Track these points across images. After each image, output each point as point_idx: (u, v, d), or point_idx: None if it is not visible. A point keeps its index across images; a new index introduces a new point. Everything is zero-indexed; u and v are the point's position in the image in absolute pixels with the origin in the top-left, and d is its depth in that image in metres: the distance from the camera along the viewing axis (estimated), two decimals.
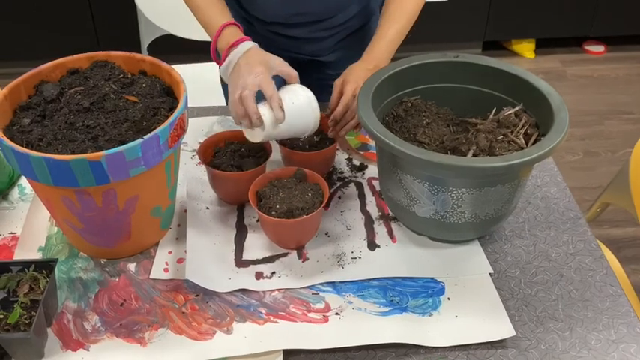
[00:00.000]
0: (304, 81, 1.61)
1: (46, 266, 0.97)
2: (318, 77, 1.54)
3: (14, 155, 0.91)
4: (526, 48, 3.24)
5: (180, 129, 0.99)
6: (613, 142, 2.70)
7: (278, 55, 1.50)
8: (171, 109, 1.02)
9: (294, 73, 1.15)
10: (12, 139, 0.93)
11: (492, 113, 1.13)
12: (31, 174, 0.92)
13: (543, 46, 3.26)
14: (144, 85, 1.05)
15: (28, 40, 2.96)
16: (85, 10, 2.92)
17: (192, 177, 1.23)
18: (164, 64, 1.08)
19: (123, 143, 0.93)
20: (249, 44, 1.14)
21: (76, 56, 1.10)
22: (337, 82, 1.21)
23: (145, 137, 0.92)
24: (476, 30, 3.13)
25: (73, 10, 2.90)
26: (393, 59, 1.17)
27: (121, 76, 1.07)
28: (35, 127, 0.98)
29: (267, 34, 1.43)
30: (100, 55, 1.10)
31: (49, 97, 1.02)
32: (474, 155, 1.05)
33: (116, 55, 1.11)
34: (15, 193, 1.21)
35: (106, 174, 0.90)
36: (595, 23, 3.13)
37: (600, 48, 3.28)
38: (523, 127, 1.08)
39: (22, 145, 0.93)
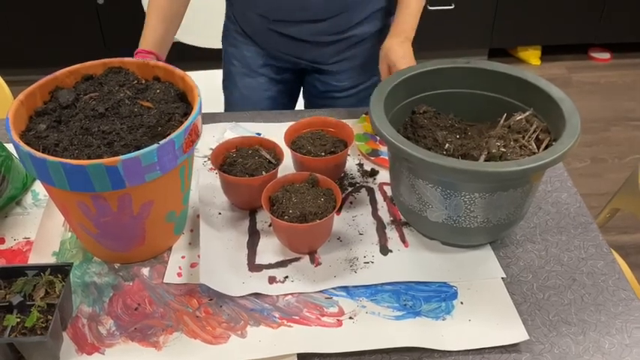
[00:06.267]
0: (308, 89, 1.62)
1: (61, 270, 0.98)
2: (322, 90, 1.56)
3: (31, 160, 0.92)
4: (532, 55, 3.25)
5: (195, 134, 0.99)
6: (620, 148, 2.71)
7: (281, 59, 1.50)
8: (185, 114, 1.03)
9: None
10: (28, 145, 0.94)
11: (503, 119, 1.14)
12: (47, 179, 0.93)
13: (549, 52, 3.27)
14: (158, 91, 1.06)
15: (37, 48, 2.98)
16: (92, 18, 2.94)
17: (204, 183, 1.24)
18: (178, 70, 1.09)
19: (138, 148, 0.94)
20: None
21: (90, 62, 1.11)
22: (383, 67, 1.30)
23: (161, 142, 0.92)
24: (482, 37, 3.14)
25: (81, 18, 2.93)
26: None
27: (135, 82, 1.08)
28: (51, 133, 0.98)
29: (269, 34, 1.44)
30: (114, 62, 1.11)
31: (65, 102, 1.03)
32: (486, 160, 1.05)
33: (130, 61, 1.12)
34: (28, 198, 1.22)
35: (122, 179, 0.91)
36: (600, 30, 3.15)
37: (606, 55, 3.29)
38: (534, 132, 1.08)
39: (39, 150, 0.93)
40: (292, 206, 1.06)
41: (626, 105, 2.96)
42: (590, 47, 3.31)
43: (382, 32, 1.45)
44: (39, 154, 0.91)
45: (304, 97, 1.66)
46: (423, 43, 3.39)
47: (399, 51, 1.27)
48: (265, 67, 1.53)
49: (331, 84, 1.53)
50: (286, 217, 1.05)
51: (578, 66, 3.25)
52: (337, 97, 1.54)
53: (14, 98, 1.83)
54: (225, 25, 1.57)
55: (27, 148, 0.92)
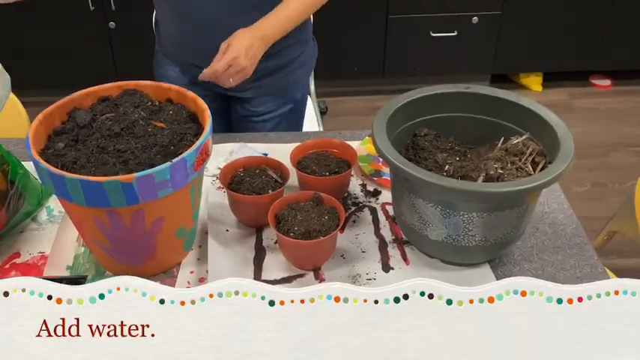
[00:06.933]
0: (230, 116, 1.69)
1: (75, 283, 1.01)
2: (242, 114, 1.66)
3: (50, 177, 0.97)
4: (534, 81, 3.31)
5: (206, 154, 1.04)
6: (620, 173, 2.74)
7: (199, 89, 1.55)
8: (197, 134, 1.07)
9: None
10: (47, 162, 0.99)
11: (501, 142, 1.18)
12: (65, 195, 0.97)
13: (551, 79, 3.32)
14: (171, 112, 1.11)
15: (50, 72, 3.06)
16: (104, 44, 3.02)
17: (212, 201, 1.28)
18: (190, 93, 1.14)
19: (152, 166, 0.98)
20: None
21: (106, 85, 1.17)
22: (223, 45, 1.35)
23: (174, 161, 0.97)
24: (484, 63, 3.20)
25: (94, 45, 3.01)
26: (406, 90, 1.22)
27: (149, 103, 1.13)
28: (69, 151, 1.03)
29: (187, 65, 1.52)
30: (129, 85, 1.16)
31: (82, 123, 1.08)
32: (484, 181, 1.10)
33: (144, 84, 1.17)
34: (43, 214, 1.26)
35: (137, 195, 0.96)
36: (601, 58, 3.20)
37: (607, 82, 3.35)
38: (530, 154, 1.12)
39: (57, 168, 0.98)
40: (297, 224, 1.10)
41: (626, 131, 3.00)
42: (591, 74, 3.37)
43: (295, 61, 1.56)
44: (57, 171, 0.95)
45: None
46: (427, 68, 3.43)
47: (245, 40, 1.33)
48: (193, 86, 1.55)
49: (249, 109, 1.64)
50: (292, 234, 1.09)
51: (579, 92, 3.30)
52: (254, 121, 1.65)
53: (29, 118, 1.89)
54: (155, 48, 1.69)
55: (46, 165, 0.96)
